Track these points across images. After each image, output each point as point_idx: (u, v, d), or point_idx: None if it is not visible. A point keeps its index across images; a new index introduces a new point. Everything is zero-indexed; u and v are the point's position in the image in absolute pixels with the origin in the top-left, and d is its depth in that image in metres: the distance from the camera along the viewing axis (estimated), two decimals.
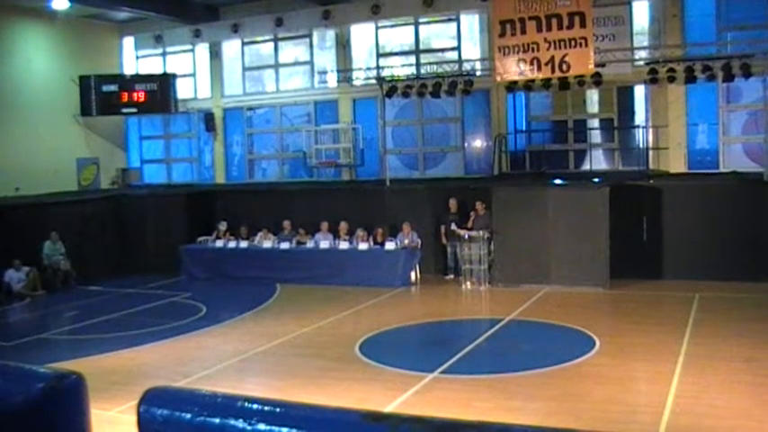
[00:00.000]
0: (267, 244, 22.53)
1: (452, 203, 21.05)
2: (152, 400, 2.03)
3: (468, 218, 20.64)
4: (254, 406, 1.91)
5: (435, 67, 23.35)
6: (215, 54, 27.82)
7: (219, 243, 23.12)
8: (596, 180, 20.72)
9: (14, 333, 17.68)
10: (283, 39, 26.88)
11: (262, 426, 1.84)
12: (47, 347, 15.69)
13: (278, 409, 1.89)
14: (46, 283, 21.67)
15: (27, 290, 21.05)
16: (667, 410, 10.25)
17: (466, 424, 1.72)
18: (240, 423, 1.87)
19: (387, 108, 23.83)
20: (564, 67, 19.39)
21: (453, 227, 20.78)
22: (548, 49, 19.47)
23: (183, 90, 27.84)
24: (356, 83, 24.85)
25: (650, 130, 22.30)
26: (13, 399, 1.99)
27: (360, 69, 24.87)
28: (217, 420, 1.90)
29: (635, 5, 22.06)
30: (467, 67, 23.03)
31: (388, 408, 10.65)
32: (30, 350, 15.33)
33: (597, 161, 23.17)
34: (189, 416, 1.93)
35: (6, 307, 20.26)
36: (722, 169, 21.47)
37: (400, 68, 23.94)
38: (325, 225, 22.22)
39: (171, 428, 1.96)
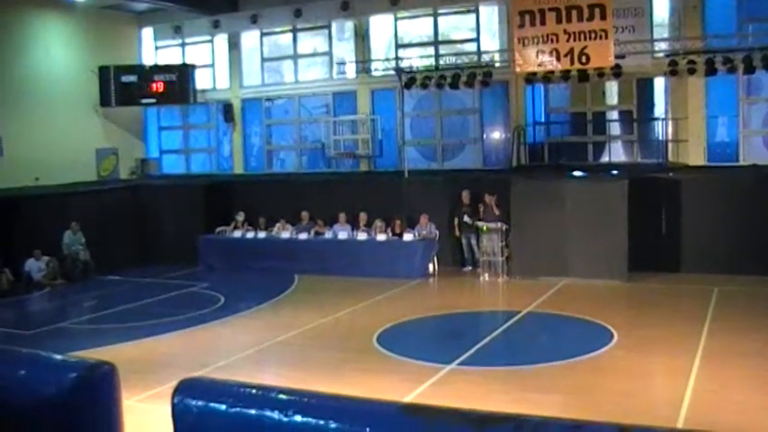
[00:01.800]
0: (285, 235, 22.59)
1: (465, 195, 21.06)
2: (186, 390, 2.04)
3: (478, 210, 20.68)
4: (291, 397, 1.91)
5: (454, 58, 23.30)
6: (234, 45, 27.82)
7: (237, 233, 23.21)
8: (615, 172, 20.64)
9: (34, 322, 17.82)
10: (302, 30, 26.85)
11: (298, 417, 1.85)
12: (66, 336, 15.79)
13: (314, 401, 1.90)
14: (65, 272, 21.84)
15: (47, 279, 21.21)
16: (685, 404, 10.24)
17: (504, 417, 1.72)
18: (276, 414, 1.87)
19: (405, 99, 23.79)
20: (583, 58, 19.31)
21: (466, 218, 20.79)
22: (567, 41, 19.40)
23: (201, 81, 27.87)
24: (375, 74, 24.82)
25: (669, 123, 22.17)
26: (46, 388, 2.01)
27: (378, 60, 24.84)
28: (253, 411, 1.91)
29: None
30: (486, 58, 23.00)
31: (406, 399, 10.67)
32: (49, 339, 15.43)
33: (616, 153, 23.05)
34: (224, 407, 1.94)
35: (26, 296, 20.43)
36: (742, 162, 21.32)
37: (419, 60, 23.89)
38: (342, 216, 22.25)
39: (206, 419, 1.97)
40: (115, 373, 2.15)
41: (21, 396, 2.03)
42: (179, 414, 2.04)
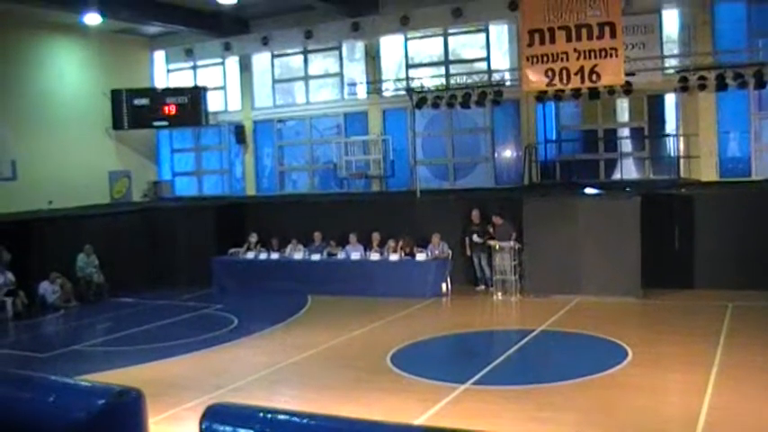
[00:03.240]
0: (298, 255, 22.61)
1: (475, 214, 21.03)
2: (214, 415, 2.06)
3: (487, 230, 20.67)
4: (317, 422, 1.93)
5: (465, 77, 23.37)
6: (245, 67, 27.98)
7: (250, 255, 23.23)
8: (627, 189, 20.63)
9: (49, 345, 17.85)
10: (313, 51, 26.99)
11: None
12: (80, 359, 15.83)
13: (339, 426, 1.91)
14: (79, 295, 21.90)
15: (61, 302, 21.27)
16: (701, 421, 10.18)
17: None
18: None
19: (416, 119, 23.88)
20: (594, 77, 19.30)
21: (475, 238, 20.78)
22: (577, 59, 19.40)
23: (213, 103, 28.02)
24: (386, 94, 24.90)
25: (681, 139, 22.17)
26: (75, 414, 2.03)
27: (389, 81, 24.94)
28: None
29: (665, 13, 21.95)
30: (496, 77, 23.08)
31: (420, 419, 10.66)
32: (64, 362, 15.48)
33: (628, 170, 23.04)
34: None
35: (41, 318, 20.48)
36: (754, 177, 21.29)
37: (430, 79, 23.98)
38: (354, 236, 22.24)
39: None
40: (142, 399, 2.18)
41: (50, 421, 2.06)
42: None
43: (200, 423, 2.11)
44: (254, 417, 2.02)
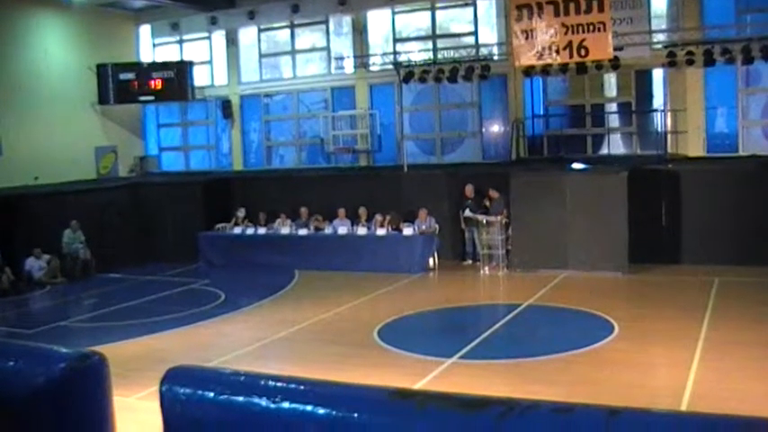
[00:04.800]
0: (285, 230, 22.56)
1: (468, 189, 21.00)
2: (174, 378, 2.03)
3: (483, 204, 20.65)
4: (279, 384, 1.90)
5: (452, 52, 23.29)
6: (231, 41, 27.82)
7: (237, 230, 23.17)
8: (614, 165, 20.63)
9: (35, 321, 17.78)
10: (300, 25, 26.86)
11: (286, 404, 1.84)
12: (67, 335, 15.78)
13: (302, 387, 1.89)
14: (66, 271, 21.79)
15: (47, 278, 21.18)
16: (687, 395, 10.22)
17: (493, 400, 1.71)
18: (264, 401, 1.86)
19: (404, 94, 23.79)
20: (582, 52, 19.27)
21: (468, 212, 20.76)
22: (565, 34, 19.36)
23: (199, 77, 27.88)
24: (373, 68, 24.79)
25: (668, 114, 22.16)
26: (35, 378, 2.00)
27: (376, 55, 24.83)
28: (241, 398, 1.90)
29: None
30: (484, 51, 23.02)
31: None
32: (50, 337, 15.39)
33: (615, 145, 23.06)
34: (212, 394, 1.93)
35: (27, 295, 20.40)
36: (741, 153, 21.32)
37: (417, 54, 23.89)
38: (342, 211, 22.20)
39: (194, 406, 1.96)
40: (104, 363, 2.14)
41: (10, 386, 2.02)
42: (167, 402, 2.03)
43: (160, 386, 2.07)
44: (214, 379, 1.99)
